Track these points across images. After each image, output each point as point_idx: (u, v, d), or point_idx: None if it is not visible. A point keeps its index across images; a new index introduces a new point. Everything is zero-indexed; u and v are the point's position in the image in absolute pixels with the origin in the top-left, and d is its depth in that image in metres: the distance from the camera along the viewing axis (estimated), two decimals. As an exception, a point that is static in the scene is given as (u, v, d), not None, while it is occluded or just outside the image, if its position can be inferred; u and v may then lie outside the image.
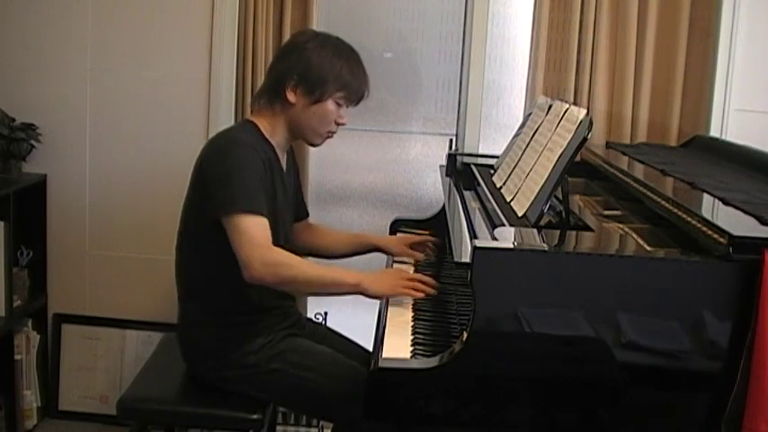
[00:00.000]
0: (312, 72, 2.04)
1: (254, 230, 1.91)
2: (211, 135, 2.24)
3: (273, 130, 2.10)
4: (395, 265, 2.27)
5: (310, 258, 2.33)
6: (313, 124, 2.09)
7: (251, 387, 2.05)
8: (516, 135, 2.40)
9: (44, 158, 2.99)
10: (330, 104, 2.07)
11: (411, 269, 2.27)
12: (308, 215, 2.43)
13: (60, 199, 3.03)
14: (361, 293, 1.95)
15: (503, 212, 1.95)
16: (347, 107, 2.11)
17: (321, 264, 2.25)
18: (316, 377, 2.01)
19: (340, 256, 2.43)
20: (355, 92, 2.09)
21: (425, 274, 2.09)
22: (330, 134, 2.14)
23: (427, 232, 2.63)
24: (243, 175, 1.95)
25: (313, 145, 2.19)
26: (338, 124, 2.12)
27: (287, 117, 2.09)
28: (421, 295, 1.95)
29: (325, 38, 2.11)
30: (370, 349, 1.95)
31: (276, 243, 1.96)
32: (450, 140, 2.89)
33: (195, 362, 2.12)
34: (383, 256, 2.45)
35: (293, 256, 1.98)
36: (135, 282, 3.05)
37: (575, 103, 2.23)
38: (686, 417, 1.59)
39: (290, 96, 2.05)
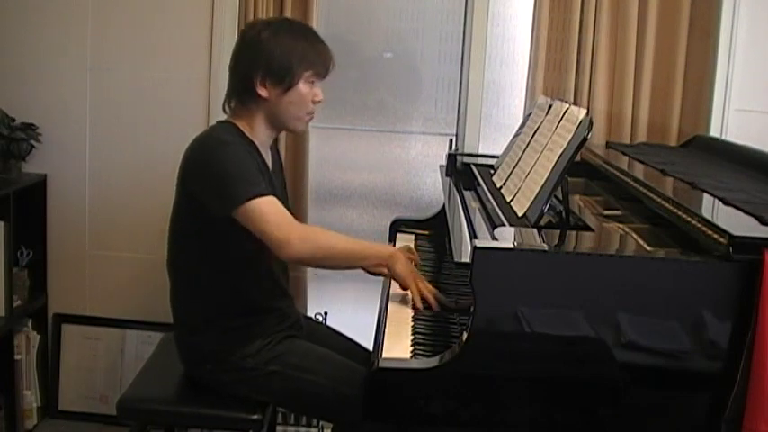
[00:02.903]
0: (275, 62, 2.01)
1: (274, 210, 1.92)
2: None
3: (253, 129, 2.08)
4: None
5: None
6: (291, 111, 2.07)
7: (250, 390, 2.04)
8: (516, 135, 2.40)
9: (44, 158, 2.99)
10: (302, 87, 2.04)
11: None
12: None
13: (60, 199, 3.03)
14: (388, 267, 1.99)
15: (503, 212, 1.95)
16: (319, 82, 2.09)
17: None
18: (315, 379, 2.00)
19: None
20: (322, 66, 2.07)
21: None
22: (310, 116, 2.11)
23: (427, 232, 2.63)
24: (238, 165, 1.94)
25: (296, 132, 2.19)
26: (315, 103, 2.09)
27: (264, 112, 2.06)
28: (419, 304, 1.94)
29: (277, 24, 2.09)
30: (370, 348, 1.95)
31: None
32: (451, 140, 2.89)
33: (193, 366, 2.10)
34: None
35: (323, 228, 2.03)
36: (135, 282, 3.05)
37: (575, 103, 2.23)
38: (686, 417, 1.59)
39: (262, 92, 2.03)
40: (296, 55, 2.02)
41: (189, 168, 2.01)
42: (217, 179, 1.94)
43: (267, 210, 1.91)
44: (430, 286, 1.98)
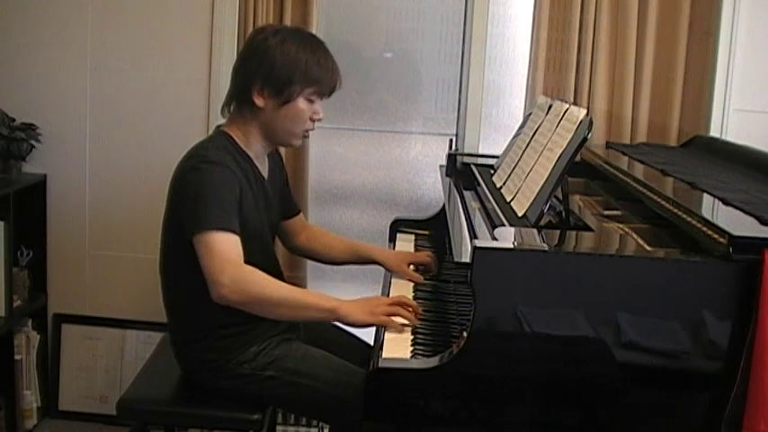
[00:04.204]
0: (276, 72, 1.95)
1: (223, 247, 1.84)
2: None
3: (248, 140, 2.03)
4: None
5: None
6: (286, 126, 2.01)
7: (248, 395, 2.02)
8: (516, 135, 2.40)
9: (44, 158, 2.99)
10: (301, 103, 1.99)
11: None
12: (298, 211, 2.37)
13: (60, 199, 3.04)
14: (338, 320, 1.89)
15: (503, 212, 1.95)
16: (320, 100, 2.03)
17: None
18: (312, 383, 1.97)
19: (336, 262, 2.38)
20: (326, 85, 2.00)
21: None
22: (307, 133, 2.06)
23: (427, 232, 2.63)
24: (214, 193, 1.88)
25: (290, 146, 2.14)
26: (313, 121, 2.04)
27: (258, 123, 2.01)
28: (398, 326, 1.83)
29: (287, 32, 2.02)
30: (371, 342, 1.94)
31: (252, 260, 1.89)
32: (450, 140, 2.89)
33: (191, 372, 2.09)
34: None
35: (266, 275, 1.90)
36: (135, 282, 3.05)
37: (575, 103, 2.23)
38: (686, 417, 1.59)
39: (258, 101, 1.97)
40: (299, 69, 1.96)
41: (175, 180, 1.98)
42: (189, 200, 1.90)
43: (217, 245, 1.83)
44: (397, 300, 1.90)
